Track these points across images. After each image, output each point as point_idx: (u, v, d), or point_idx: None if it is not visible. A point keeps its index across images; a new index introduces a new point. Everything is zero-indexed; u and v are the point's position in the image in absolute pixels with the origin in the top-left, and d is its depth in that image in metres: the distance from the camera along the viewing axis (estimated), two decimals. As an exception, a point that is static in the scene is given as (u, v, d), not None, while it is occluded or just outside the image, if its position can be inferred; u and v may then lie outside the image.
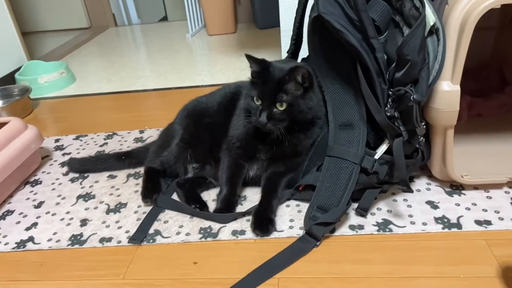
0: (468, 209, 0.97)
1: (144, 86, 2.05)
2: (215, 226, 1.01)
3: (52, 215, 1.12)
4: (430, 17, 0.84)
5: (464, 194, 1.02)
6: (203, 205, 1.07)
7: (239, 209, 1.05)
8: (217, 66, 2.23)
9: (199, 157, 1.14)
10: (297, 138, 1.02)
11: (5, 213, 1.15)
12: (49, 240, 1.02)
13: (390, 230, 0.93)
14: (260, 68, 0.96)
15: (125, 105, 1.87)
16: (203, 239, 0.97)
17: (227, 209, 1.02)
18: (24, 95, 1.85)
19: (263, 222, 0.97)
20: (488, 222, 0.92)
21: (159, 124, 1.30)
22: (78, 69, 2.37)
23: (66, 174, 1.31)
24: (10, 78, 2.12)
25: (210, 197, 1.13)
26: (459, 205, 0.99)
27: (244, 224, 1.00)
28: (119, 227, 1.04)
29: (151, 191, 1.11)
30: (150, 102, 1.88)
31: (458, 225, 0.92)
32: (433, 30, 0.86)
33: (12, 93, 1.94)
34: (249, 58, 0.96)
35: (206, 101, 1.20)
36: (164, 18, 3.77)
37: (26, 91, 1.88)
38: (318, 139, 1.04)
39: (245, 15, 3.04)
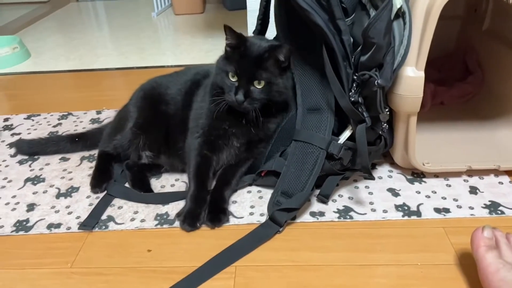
0: (428, 197, 0.97)
1: (105, 65, 1.95)
2: (172, 212, 0.96)
3: (-4, 199, 1.04)
4: (397, 0, 0.81)
5: (424, 182, 1.03)
6: (149, 191, 1.03)
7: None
8: (182, 46, 2.15)
9: (153, 146, 1.07)
10: (270, 120, 0.98)
11: None
12: (-8, 226, 0.95)
13: (351, 217, 0.92)
14: (238, 42, 0.90)
15: (83, 84, 1.77)
16: (159, 226, 0.93)
17: (196, 208, 0.92)
18: (-29, 70, 1.72)
19: (215, 212, 0.92)
20: (447, 210, 0.93)
21: (118, 105, 1.23)
22: (33, 45, 2.23)
23: (14, 155, 1.22)
24: (-44, 52, 1.96)
25: (168, 182, 1.08)
26: (419, 192, 0.99)
27: (203, 210, 0.96)
28: (70, 213, 0.98)
29: (101, 180, 1.05)
30: (110, 82, 1.79)
31: (417, 213, 0.92)
32: (400, 14, 0.83)
33: (-42, 67, 1.80)
34: (228, 29, 0.89)
35: (165, 84, 1.11)
36: (130, -5, 3.61)
37: (-26, 66, 1.74)
38: (282, 124, 1.01)
39: (214, -4, 2.96)
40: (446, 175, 1.03)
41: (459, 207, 0.94)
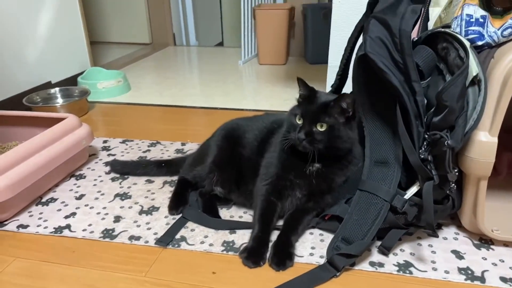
0: (494, 264, 0.95)
1: (192, 103, 2.16)
2: (238, 241, 1.04)
3: (90, 208, 1.20)
4: (474, 68, 0.86)
5: (492, 249, 1.00)
6: (217, 218, 1.12)
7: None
8: (263, 93, 2.31)
9: (225, 184, 1.18)
10: (334, 173, 1.03)
11: (48, 200, 1.24)
12: (84, 230, 1.10)
13: (410, 273, 0.93)
14: (308, 92, 1.02)
15: (172, 118, 1.97)
16: (225, 252, 1.01)
17: (259, 247, 0.98)
18: (82, 97, 2.01)
19: (281, 256, 0.97)
20: (514, 281, 0.90)
21: (200, 139, 1.36)
22: (134, 80, 2.53)
23: (108, 173, 1.40)
24: (73, 80, 2.30)
25: (237, 213, 1.17)
26: (486, 259, 0.97)
27: (266, 244, 1.03)
28: (149, 228, 1.10)
29: (178, 204, 1.17)
30: (195, 118, 1.97)
31: (481, 279, 0.91)
32: (475, 81, 0.87)
33: (73, 93, 2.10)
34: (300, 81, 1.02)
35: (244, 128, 1.21)
36: (220, 44, 3.96)
37: (85, 94, 2.03)
38: (348, 174, 1.06)
39: (297, 49, 3.14)
40: (517, 246, 1.00)
41: (529, 280, 0.90)
